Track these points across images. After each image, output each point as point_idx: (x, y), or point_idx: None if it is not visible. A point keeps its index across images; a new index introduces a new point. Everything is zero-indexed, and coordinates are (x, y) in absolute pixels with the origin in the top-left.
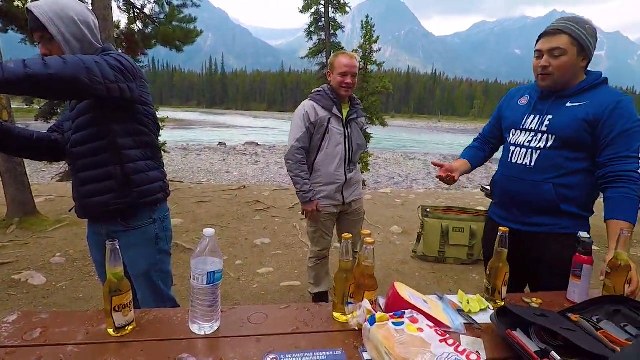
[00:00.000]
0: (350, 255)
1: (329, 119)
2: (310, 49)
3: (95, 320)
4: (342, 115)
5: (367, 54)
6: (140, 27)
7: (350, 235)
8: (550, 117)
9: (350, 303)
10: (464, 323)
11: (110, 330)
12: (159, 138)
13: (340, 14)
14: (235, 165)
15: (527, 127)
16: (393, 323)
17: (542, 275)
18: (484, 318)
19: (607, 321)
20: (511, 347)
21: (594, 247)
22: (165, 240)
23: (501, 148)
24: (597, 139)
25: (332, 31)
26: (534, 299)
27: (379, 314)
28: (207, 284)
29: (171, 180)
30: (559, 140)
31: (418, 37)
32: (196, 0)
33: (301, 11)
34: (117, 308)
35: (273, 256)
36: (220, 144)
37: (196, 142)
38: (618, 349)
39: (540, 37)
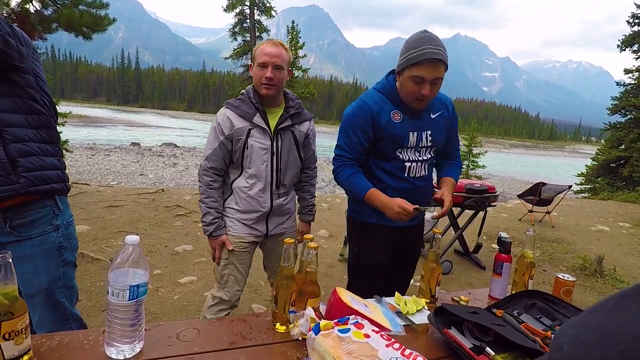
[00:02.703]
0: (292, 261)
1: (249, 130)
2: (235, 49)
3: None
4: (269, 125)
5: (293, 59)
6: (38, 8)
7: (292, 240)
8: (429, 132)
9: (293, 312)
10: (403, 325)
11: None
12: (60, 135)
13: (265, 17)
14: (150, 168)
15: (412, 145)
16: (339, 330)
17: (410, 255)
18: (421, 318)
19: (526, 314)
20: (448, 345)
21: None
22: (70, 250)
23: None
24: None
25: (257, 33)
26: (462, 297)
27: (323, 322)
28: (129, 299)
29: (75, 183)
30: (437, 148)
31: (340, 48)
32: None
33: (225, 10)
34: (7, 336)
35: (196, 264)
36: (133, 144)
37: (105, 141)
38: (538, 339)
39: (420, 62)
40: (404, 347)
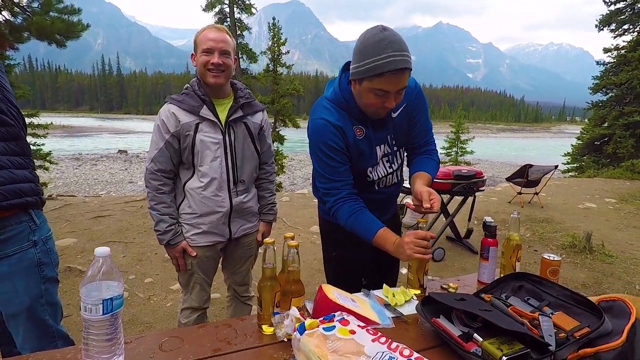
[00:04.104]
0: (273, 261)
1: (197, 125)
2: None
3: None
4: (219, 117)
5: (276, 56)
6: (8, 17)
7: (273, 240)
8: (392, 135)
9: (277, 313)
10: (392, 317)
11: None
12: (43, 147)
13: (246, 15)
14: (139, 175)
15: (380, 159)
16: (324, 329)
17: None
18: (409, 309)
19: (514, 297)
20: (438, 334)
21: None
22: (51, 265)
23: None
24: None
25: (238, 32)
26: (451, 284)
27: (308, 321)
28: (103, 314)
29: (61, 195)
30: (404, 146)
31: (324, 42)
32: None
33: (204, 10)
34: None
35: None
36: (120, 151)
37: (91, 150)
38: (526, 321)
39: (383, 73)
40: (390, 340)
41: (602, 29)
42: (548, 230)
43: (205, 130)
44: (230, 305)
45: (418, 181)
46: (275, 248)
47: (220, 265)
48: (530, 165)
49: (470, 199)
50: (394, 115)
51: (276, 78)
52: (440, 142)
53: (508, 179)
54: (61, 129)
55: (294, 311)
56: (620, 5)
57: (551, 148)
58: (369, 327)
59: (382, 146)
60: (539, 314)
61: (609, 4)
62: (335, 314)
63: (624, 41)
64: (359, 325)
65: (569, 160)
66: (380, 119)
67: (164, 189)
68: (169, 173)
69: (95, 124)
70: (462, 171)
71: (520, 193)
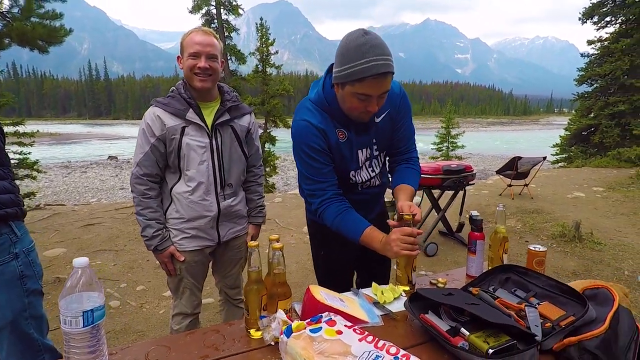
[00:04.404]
0: (258, 265)
1: (183, 128)
2: None
3: None
4: (205, 121)
5: (264, 57)
6: None
7: (257, 243)
8: (374, 139)
9: (264, 316)
10: (381, 315)
11: None
12: (29, 155)
13: (233, 16)
14: None
15: (362, 163)
16: (310, 330)
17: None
18: (398, 306)
19: (501, 289)
20: (426, 330)
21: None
22: (34, 277)
23: None
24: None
25: (226, 33)
26: (440, 279)
27: (295, 323)
28: (84, 326)
29: (49, 205)
30: (386, 151)
31: (313, 41)
32: None
33: (191, 12)
34: None
35: None
36: (110, 157)
37: (80, 157)
38: (513, 313)
39: (365, 78)
40: (377, 339)
41: (586, 22)
42: (538, 221)
43: (191, 134)
44: (223, 309)
45: (401, 196)
46: (260, 251)
47: (210, 269)
48: (519, 158)
49: (461, 193)
50: (377, 120)
51: (266, 79)
52: (431, 138)
53: (498, 172)
54: (49, 137)
55: (280, 314)
56: None
57: (541, 140)
58: (356, 327)
59: (364, 150)
60: (525, 305)
61: None
62: (323, 314)
63: (606, 33)
64: (345, 326)
65: (558, 151)
66: (364, 123)
67: (150, 193)
68: (155, 177)
69: (84, 131)
70: (452, 166)
71: (510, 185)
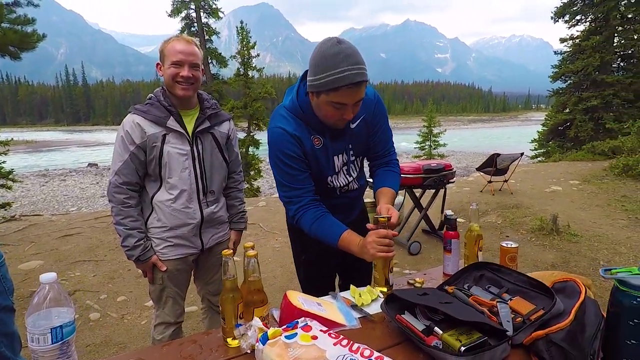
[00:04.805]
0: (234, 273)
1: (164, 136)
2: None
3: None
4: (186, 128)
5: (246, 60)
6: None
7: (230, 252)
8: (350, 145)
9: (239, 325)
10: (359, 317)
11: None
12: (4, 165)
13: (213, 19)
14: None
15: (339, 169)
16: (286, 337)
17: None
18: (375, 308)
19: (476, 286)
20: (403, 331)
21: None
22: (4, 293)
23: None
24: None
25: (207, 37)
26: (417, 279)
27: (271, 330)
28: (52, 343)
29: (25, 215)
30: (363, 156)
31: (295, 44)
32: None
33: (170, 15)
34: None
35: None
36: (90, 165)
37: (59, 165)
38: (486, 310)
39: (340, 87)
40: (352, 342)
41: (558, 20)
42: (518, 216)
43: (172, 142)
44: (206, 317)
45: (382, 199)
46: (235, 259)
47: (192, 277)
48: (498, 154)
49: (442, 191)
50: (352, 126)
51: (248, 82)
52: (414, 137)
53: (478, 169)
54: (24, 145)
55: (256, 321)
56: None
57: (521, 135)
58: (331, 331)
59: (340, 156)
60: (497, 301)
61: None
62: (299, 320)
63: (577, 31)
64: (321, 330)
65: (536, 147)
66: (339, 130)
67: (130, 202)
68: (134, 186)
69: (62, 138)
70: (432, 165)
71: (490, 182)
